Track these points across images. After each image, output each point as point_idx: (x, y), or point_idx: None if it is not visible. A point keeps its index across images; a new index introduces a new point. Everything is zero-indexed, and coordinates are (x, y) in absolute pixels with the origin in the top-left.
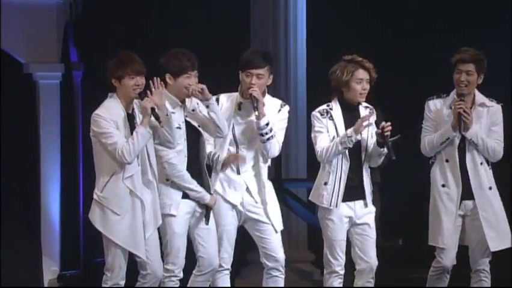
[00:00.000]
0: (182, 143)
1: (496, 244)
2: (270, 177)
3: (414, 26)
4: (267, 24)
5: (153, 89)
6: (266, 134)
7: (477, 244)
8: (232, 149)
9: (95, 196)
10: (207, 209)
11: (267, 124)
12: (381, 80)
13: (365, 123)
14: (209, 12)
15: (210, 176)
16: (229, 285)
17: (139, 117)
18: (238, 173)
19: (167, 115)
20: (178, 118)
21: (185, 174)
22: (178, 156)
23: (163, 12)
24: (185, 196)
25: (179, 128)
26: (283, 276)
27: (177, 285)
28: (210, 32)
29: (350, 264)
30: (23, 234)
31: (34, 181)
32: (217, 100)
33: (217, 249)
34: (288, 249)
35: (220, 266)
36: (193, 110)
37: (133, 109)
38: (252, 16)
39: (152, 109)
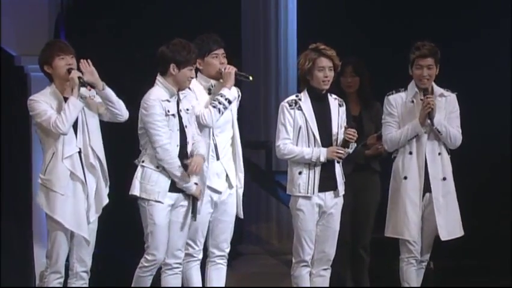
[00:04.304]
0: (175, 132)
1: (445, 233)
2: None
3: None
4: (257, 25)
5: (83, 69)
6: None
7: (428, 235)
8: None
9: (39, 180)
10: (193, 204)
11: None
12: (374, 80)
13: (337, 155)
14: (200, 12)
15: None
16: (200, 276)
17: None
18: (218, 158)
19: (103, 89)
20: (172, 107)
21: (177, 163)
22: (171, 144)
23: (154, 7)
24: (169, 189)
25: (173, 116)
26: (226, 264)
27: (153, 275)
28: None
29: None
30: (13, 226)
31: (25, 173)
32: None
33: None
34: (278, 241)
35: (192, 256)
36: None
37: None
38: (242, 17)
39: (79, 78)
